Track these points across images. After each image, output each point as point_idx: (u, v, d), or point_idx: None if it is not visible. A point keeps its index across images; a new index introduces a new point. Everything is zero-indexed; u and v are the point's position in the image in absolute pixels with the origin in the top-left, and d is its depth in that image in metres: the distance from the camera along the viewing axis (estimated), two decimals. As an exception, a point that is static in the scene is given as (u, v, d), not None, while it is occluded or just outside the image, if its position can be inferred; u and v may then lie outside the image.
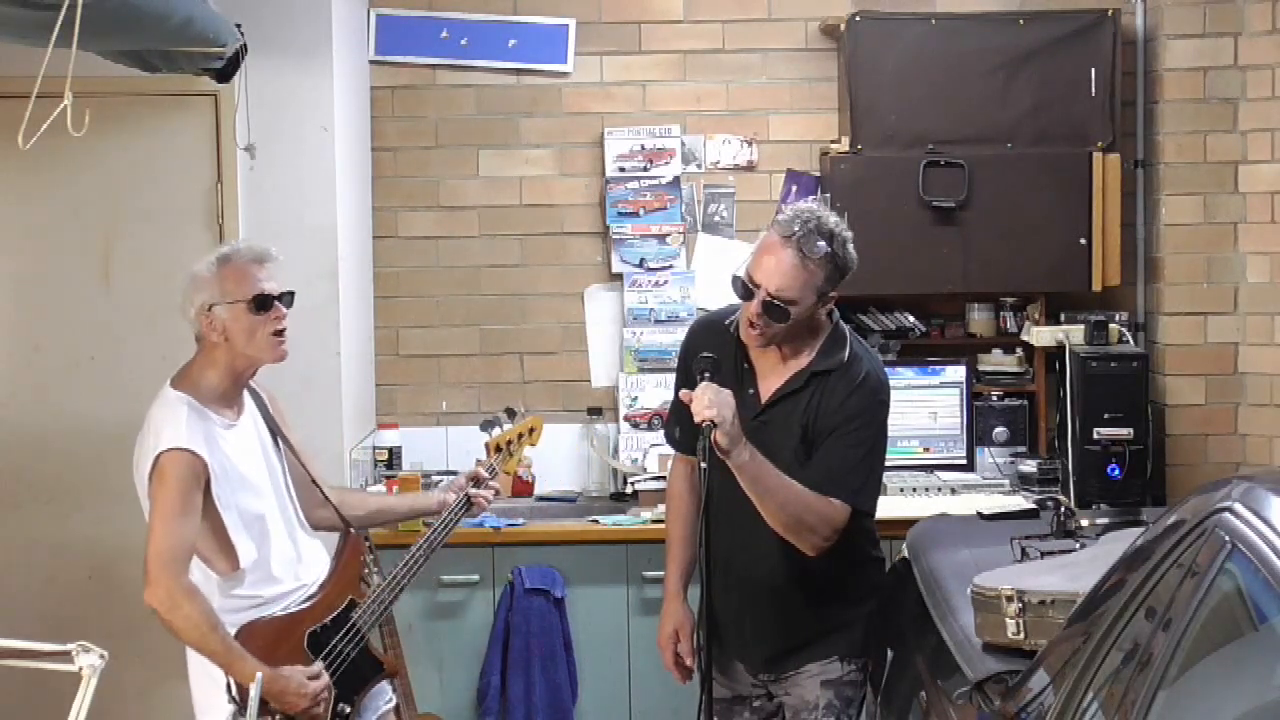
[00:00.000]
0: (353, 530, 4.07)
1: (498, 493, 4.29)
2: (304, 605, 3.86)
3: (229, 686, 3.67)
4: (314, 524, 4.02)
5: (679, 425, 4.08)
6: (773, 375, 3.93)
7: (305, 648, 3.82)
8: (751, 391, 3.91)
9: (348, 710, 3.85)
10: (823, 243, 3.78)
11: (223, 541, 3.75)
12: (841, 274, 3.84)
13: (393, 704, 4.10)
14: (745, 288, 3.83)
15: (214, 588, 3.76)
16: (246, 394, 3.93)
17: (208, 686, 3.78)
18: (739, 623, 3.96)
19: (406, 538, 4.50)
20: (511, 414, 4.42)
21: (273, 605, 3.82)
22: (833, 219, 3.84)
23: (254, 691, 3.57)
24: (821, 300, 3.85)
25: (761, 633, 3.99)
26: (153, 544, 3.65)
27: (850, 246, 3.84)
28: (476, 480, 4.22)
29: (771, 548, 3.87)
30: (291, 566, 3.87)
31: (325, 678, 3.79)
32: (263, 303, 3.79)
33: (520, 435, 4.38)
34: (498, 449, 4.33)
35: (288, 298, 3.86)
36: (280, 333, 3.83)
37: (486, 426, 4.39)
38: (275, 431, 3.96)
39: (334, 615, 3.89)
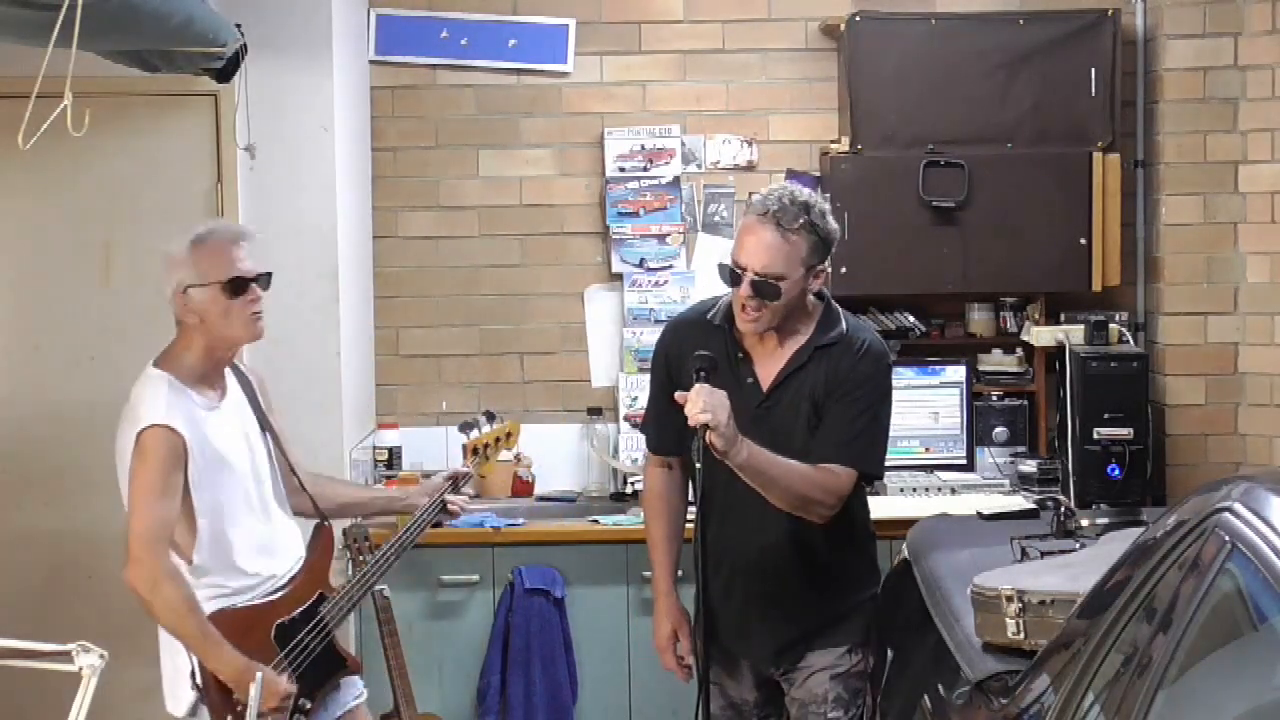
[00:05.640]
0: (326, 522, 4.04)
1: (472, 497, 4.28)
2: (273, 596, 3.82)
3: (193, 674, 3.65)
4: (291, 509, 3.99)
5: (654, 426, 4.09)
6: (771, 360, 3.93)
7: (273, 640, 3.78)
8: (750, 380, 3.91)
9: (308, 706, 3.82)
10: (800, 213, 3.80)
11: (190, 525, 3.70)
12: (825, 245, 3.86)
13: (362, 699, 4.06)
14: (732, 274, 3.85)
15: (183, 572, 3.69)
16: (233, 377, 3.88)
17: (172, 674, 3.75)
18: (744, 618, 3.95)
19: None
20: (490, 417, 4.40)
21: (238, 596, 3.77)
22: (806, 191, 3.88)
23: (254, 692, 3.57)
24: (810, 274, 3.85)
25: (768, 624, 3.98)
26: (135, 522, 3.60)
27: (829, 217, 3.87)
28: (455, 482, 4.21)
29: (771, 536, 3.89)
30: (261, 554, 3.82)
31: (293, 684, 3.75)
32: (238, 286, 3.73)
33: (497, 439, 4.36)
34: (474, 451, 4.32)
35: (265, 279, 3.81)
36: (257, 313, 3.78)
37: (465, 429, 4.36)
38: (262, 417, 3.92)
39: (303, 609, 3.86)
